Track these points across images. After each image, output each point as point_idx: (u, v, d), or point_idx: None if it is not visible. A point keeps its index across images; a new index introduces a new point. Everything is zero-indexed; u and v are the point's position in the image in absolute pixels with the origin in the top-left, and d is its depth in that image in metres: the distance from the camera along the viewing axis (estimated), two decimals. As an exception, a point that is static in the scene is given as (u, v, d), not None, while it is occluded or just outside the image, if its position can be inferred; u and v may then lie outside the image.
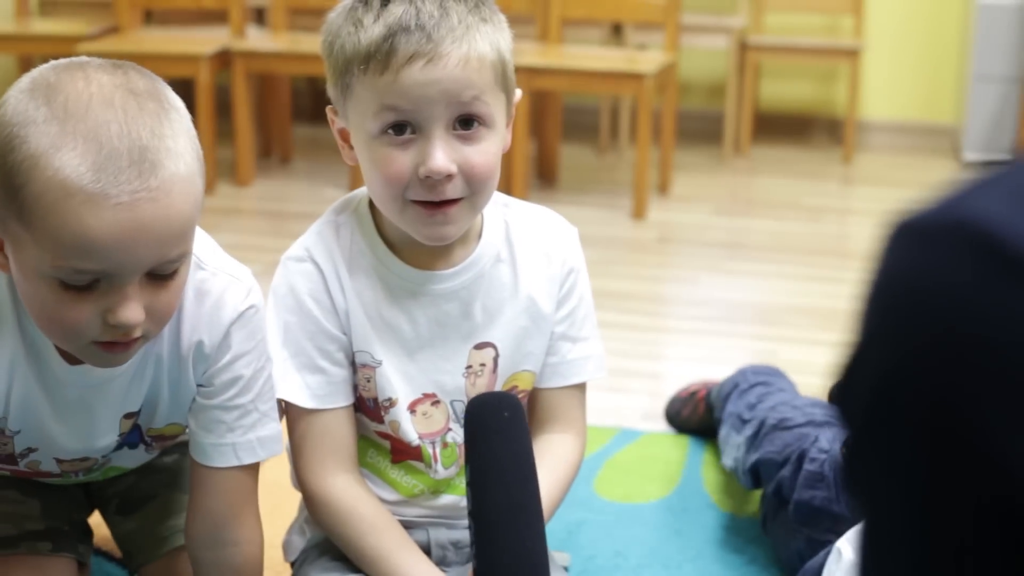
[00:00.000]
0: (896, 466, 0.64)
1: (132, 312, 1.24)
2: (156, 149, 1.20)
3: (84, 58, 1.27)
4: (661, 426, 2.51)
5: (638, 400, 2.66)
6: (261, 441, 1.47)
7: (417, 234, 1.46)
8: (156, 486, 1.72)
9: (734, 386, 2.22)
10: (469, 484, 1.37)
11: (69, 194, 1.17)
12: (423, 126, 1.40)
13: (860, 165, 5.08)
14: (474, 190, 1.43)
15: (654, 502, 2.20)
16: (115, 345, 1.28)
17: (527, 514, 1.37)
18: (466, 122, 1.41)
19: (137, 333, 1.27)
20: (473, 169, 1.42)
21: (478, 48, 1.40)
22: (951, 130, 5.28)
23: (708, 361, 2.89)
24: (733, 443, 2.07)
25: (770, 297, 3.46)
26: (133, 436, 1.51)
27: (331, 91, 1.47)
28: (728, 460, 2.08)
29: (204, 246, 1.43)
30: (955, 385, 0.60)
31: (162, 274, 1.26)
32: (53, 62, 1.26)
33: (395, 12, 1.38)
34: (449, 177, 1.40)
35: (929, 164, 5.07)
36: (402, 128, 1.40)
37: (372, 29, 1.39)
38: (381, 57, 1.38)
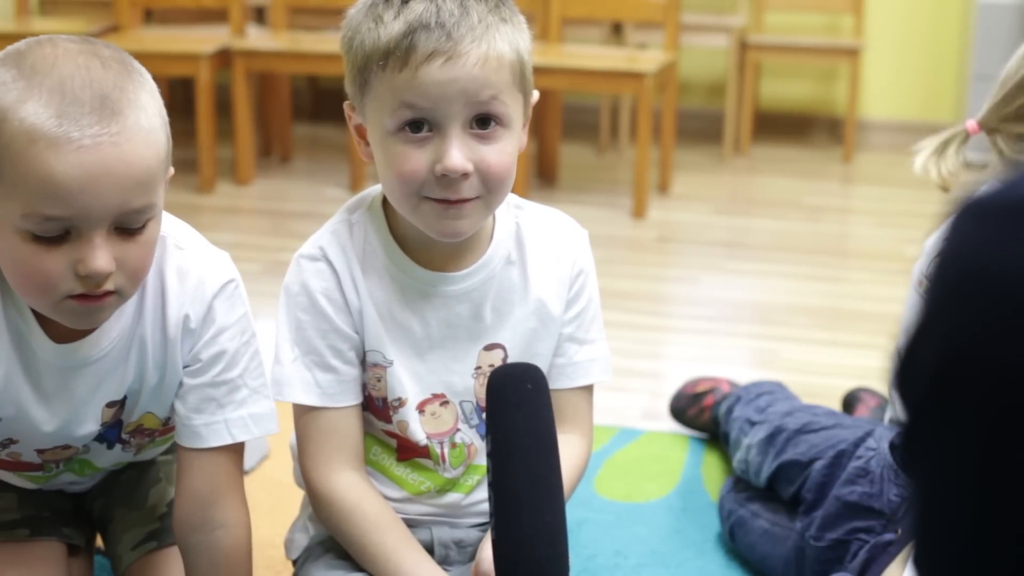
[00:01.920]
0: (958, 441, 0.64)
1: (101, 260, 1.27)
2: (118, 100, 1.25)
3: (54, 35, 1.32)
4: (661, 425, 2.51)
5: (638, 399, 2.66)
6: (254, 418, 1.48)
7: (431, 230, 1.45)
8: (113, 506, 1.72)
9: (736, 399, 2.22)
10: (490, 455, 1.36)
11: (33, 140, 1.22)
12: (440, 124, 1.40)
13: (860, 164, 5.08)
14: (489, 189, 1.43)
15: (654, 501, 2.20)
16: (88, 298, 1.30)
17: (548, 488, 1.36)
18: (483, 121, 1.41)
19: (109, 286, 1.30)
20: (489, 169, 1.42)
21: (497, 48, 1.40)
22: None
23: (708, 360, 2.89)
24: (742, 445, 2.06)
25: (770, 296, 3.46)
26: (112, 433, 1.52)
27: (349, 87, 1.47)
28: (736, 462, 2.08)
29: (180, 230, 1.47)
30: (1019, 361, 0.60)
31: (130, 227, 1.29)
32: (26, 39, 1.31)
33: (415, 9, 1.39)
34: (465, 176, 1.40)
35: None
36: (419, 126, 1.40)
37: (392, 26, 1.39)
38: (400, 54, 1.38)
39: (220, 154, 4.58)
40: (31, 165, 1.22)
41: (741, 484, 2.05)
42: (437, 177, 1.40)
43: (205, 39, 4.46)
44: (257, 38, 4.61)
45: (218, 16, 4.77)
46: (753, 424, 2.07)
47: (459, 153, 1.39)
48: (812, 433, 1.91)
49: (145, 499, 1.70)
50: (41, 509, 1.64)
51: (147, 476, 1.71)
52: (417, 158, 1.41)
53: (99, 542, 1.78)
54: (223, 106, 4.57)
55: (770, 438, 1.98)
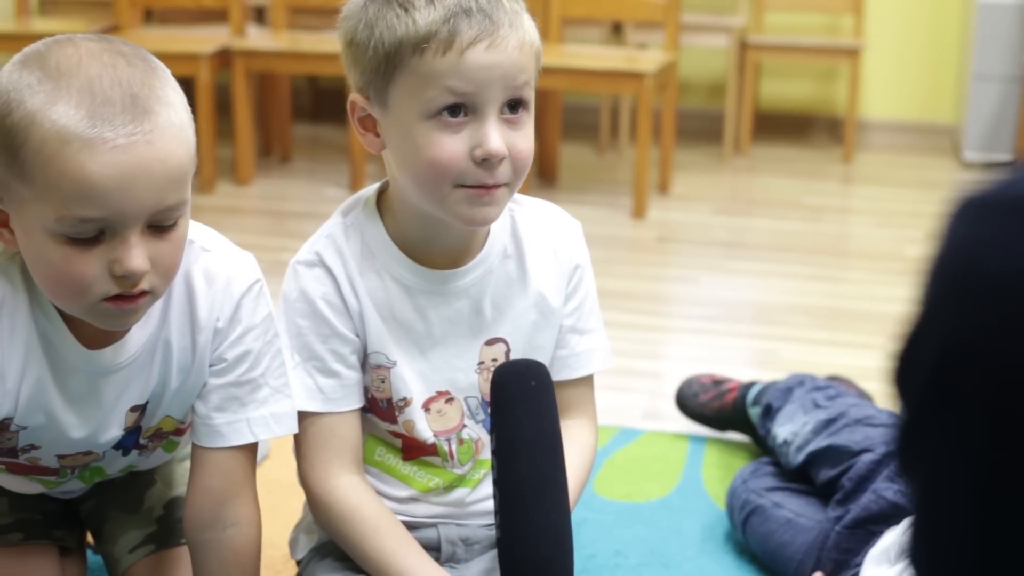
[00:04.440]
0: (958, 440, 0.63)
1: (137, 260, 1.26)
2: (147, 97, 1.25)
3: (70, 34, 1.31)
4: (661, 425, 2.51)
5: (638, 399, 2.66)
6: (275, 417, 1.48)
7: (460, 218, 1.44)
8: (107, 508, 1.72)
9: (800, 382, 2.21)
10: (494, 452, 1.36)
11: (66, 142, 1.21)
12: (479, 109, 1.40)
13: (860, 164, 5.08)
14: (517, 175, 1.44)
15: (654, 501, 2.20)
16: (124, 299, 1.29)
17: (552, 485, 1.36)
18: (512, 107, 1.42)
19: (144, 286, 1.29)
20: (520, 154, 1.43)
21: (529, 34, 1.44)
22: (951, 129, 5.28)
23: (708, 360, 2.89)
24: (798, 420, 2.06)
25: (770, 296, 3.46)
26: (130, 439, 1.51)
27: (362, 78, 1.45)
28: (784, 432, 2.07)
29: (205, 233, 1.47)
30: (1019, 359, 0.60)
31: (163, 225, 1.29)
32: (42, 40, 1.30)
33: None
34: (501, 160, 1.41)
35: (929, 163, 5.07)
36: (457, 110, 1.40)
37: (428, 12, 1.38)
38: (444, 37, 1.38)
39: (220, 154, 4.58)
40: (65, 168, 1.21)
41: (758, 475, 2.05)
42: (476, 162, 1.40)
43: (205, 39, 4.46)
44: (257, 38, 4.60)
45: (218, 16, 4.77)
46: (818, 406, 2.08)
47: (498, 136, 1.40)
48: (871, 427, 1.93)
49: (141, 501, 1.70)
50: (33, 512, 1.64)
51: (141, 478, 1.71)
52: (454, 144, 1.40)
53: (88, 539, 1.77)
54: (223, 106, 4.57)
55: (830, 421, 1.99)
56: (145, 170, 1.23)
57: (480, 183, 1.41)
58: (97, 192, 1.22)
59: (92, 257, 1.26)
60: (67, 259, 1.26)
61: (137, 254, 1.26)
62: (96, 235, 1.25)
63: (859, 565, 1.73)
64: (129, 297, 1.29)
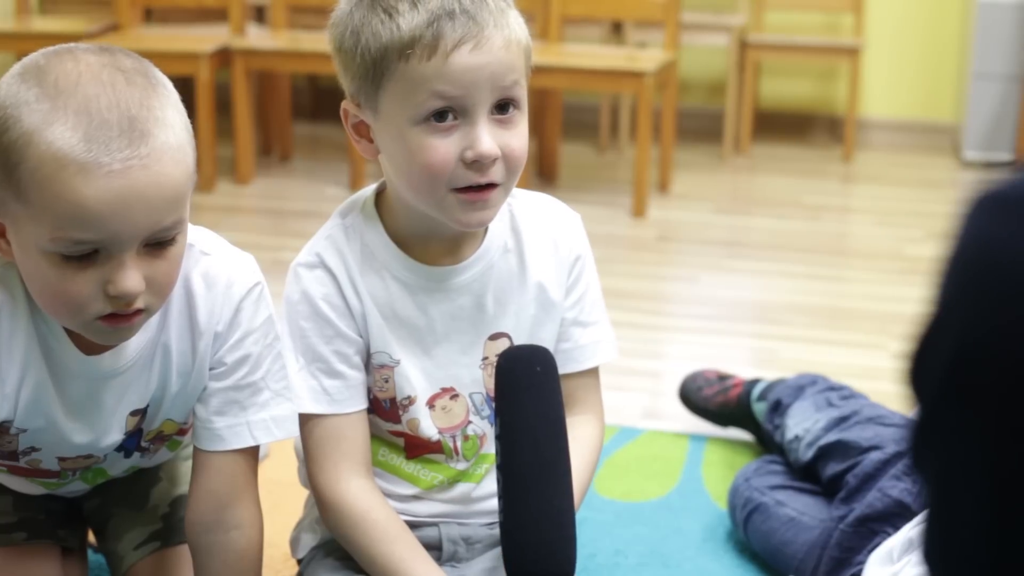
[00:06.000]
0: (973, 437, 0.63)
1: (131, 281, 1.26)
2: (145, 119, 1.24)
3: (72, 44, 1.30)
4: (661, 425, 2.51)
5: (638, 398, 2.66)
6: (276, 420, 1.48)
7: (455, 222, 1.45)
8: (111, 505, 1.72)
9: (812, 381, 2.21)
10: (498, 438, 1.37)
11: (62, 165, 1.21)
12: (468, 111, 1.40)
13: (860, 163, 5.08)
14: (511, 174, 1.44)
15: (654, 500, 2.20)
16: (118, 318, 1.29)
17: (555, 471, 1.37)
18: (502, 107, 1.42)
19: (139, 304, 1.29)
20: (513, 153, 1.43)
21: (516, 32, 1.42)
22: (951, 128, 5.28)
23: (708, 359, 2.89)
24: (810, 417, 2.07)
25: (770, 295, 3.46)
26: (131, 442, 1.51)
27: (353, 84, 1.45)
28: (795, 428, 2.08)
29: (204, 236, 1.46)
30: None
31: (159, 242, 1.28)
32: (43, 49, 1.29)
33: None
34: (493, 161, 1.41)
35: (929, 162, 5.06)
36: (444, 115, 1.40)
37: (411, 16, 1.38)
38: (428, 41, 1.37)
39: (220, 153, 4.57)
40: (60, 191, 1.21)
41: (761, 473, 2.05)
42: (468, 164, 1.40)
43: (205, 38, 4.46)
44: (257, 37, 4.60)
45: (218, 15, 4.77)
46: (831, 405, 2.08)
47: (489, 138, 1.40)
48: (883, 426, 1.93)
49: (146, 499, 1.70)
50: (36, 512, 1.64)
51: (146, 475, 1.71)
52: (445, 148, 1.40)
53: (91, 538, 1.77)
54: (223, 105, 4.57)
55: (842, 419, 1.99)
56: (141, 194, 1.23)
57: (472, 183, 1.41)
58: (92, 216, 1.22)
59: (86, 277, 1.26)
60: (61, 278, 1.26)
61: (132, 275, 1.26)
62: (91, 253, 1.25)
63: (861, 563, 1.73)
64: (124, 316, 1.29)
